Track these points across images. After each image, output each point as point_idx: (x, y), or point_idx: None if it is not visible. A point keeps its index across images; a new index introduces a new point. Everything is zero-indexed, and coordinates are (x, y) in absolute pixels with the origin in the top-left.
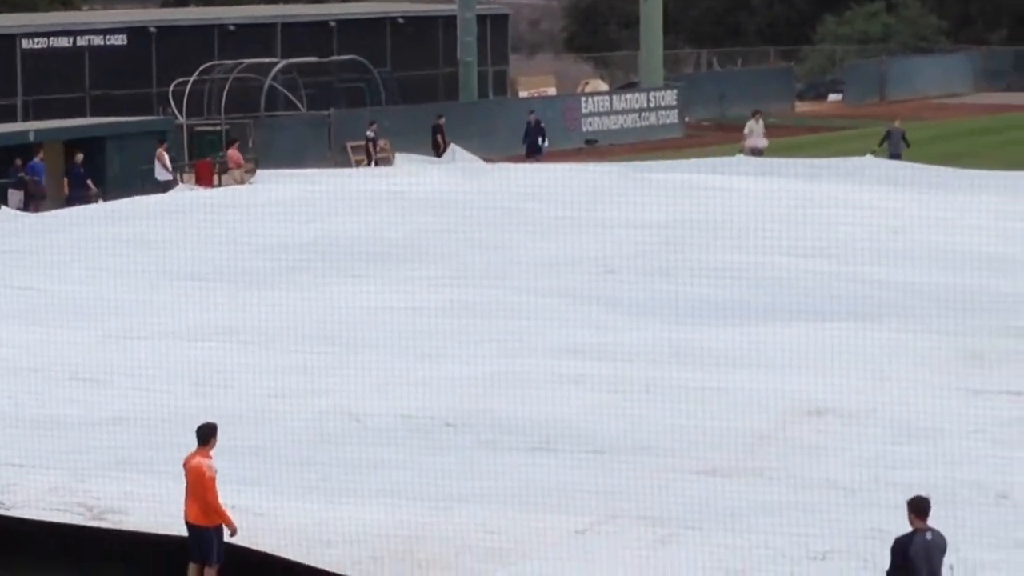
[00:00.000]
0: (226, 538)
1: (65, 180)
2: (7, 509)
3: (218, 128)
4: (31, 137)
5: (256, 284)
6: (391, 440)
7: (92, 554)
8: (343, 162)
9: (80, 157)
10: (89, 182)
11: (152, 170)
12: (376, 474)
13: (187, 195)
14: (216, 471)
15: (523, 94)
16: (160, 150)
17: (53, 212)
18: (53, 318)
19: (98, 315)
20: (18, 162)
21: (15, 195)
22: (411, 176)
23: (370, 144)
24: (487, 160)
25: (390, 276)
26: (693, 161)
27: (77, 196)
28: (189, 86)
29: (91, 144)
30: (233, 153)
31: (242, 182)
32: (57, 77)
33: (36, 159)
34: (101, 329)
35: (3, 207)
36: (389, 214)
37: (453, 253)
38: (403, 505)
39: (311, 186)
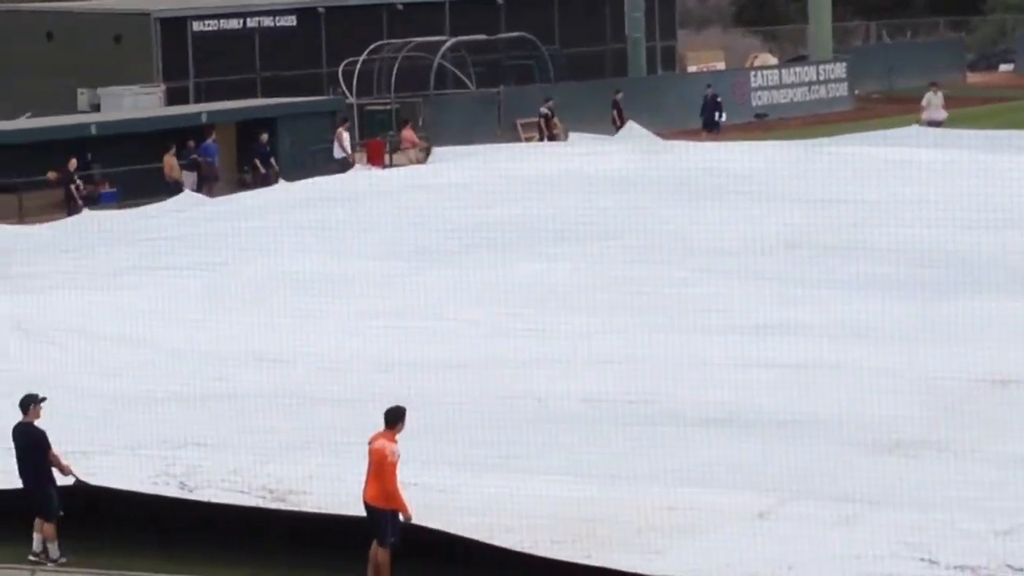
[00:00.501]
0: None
1: (256, 161)
2: (190, 491)
3: (388, 107)
4: (203, 119)
5: (441, 264)
6: (574, 420)
7: (274, 535)
8: (513, 140)
9: (265, 137)
10: (272, 160)
11: (328, 149)
12: (558, 453)
13: (367, 176)
14: (399, 456)
15: (692, 69)
16: (340, 129)
17: (239, 195)
18: (237, 300)
19: (291, 296)
20: (191, 144)
21: (189, 176)
22: (590, 155)
23: (543, 120)
24: (658, 136)
25: (574, 255)
26: (871, 134)
27: (262, 175)
28: (359, 66)
29: (262, 125)
30: (408, 132)
31: (417, 161)
32: (228, 59)
33: (209, 140)
34: (290, 310)
35: (188, 190)
36: (570, 194)
37: (635, 232)
38: (585, 483)
39: (491, 166)
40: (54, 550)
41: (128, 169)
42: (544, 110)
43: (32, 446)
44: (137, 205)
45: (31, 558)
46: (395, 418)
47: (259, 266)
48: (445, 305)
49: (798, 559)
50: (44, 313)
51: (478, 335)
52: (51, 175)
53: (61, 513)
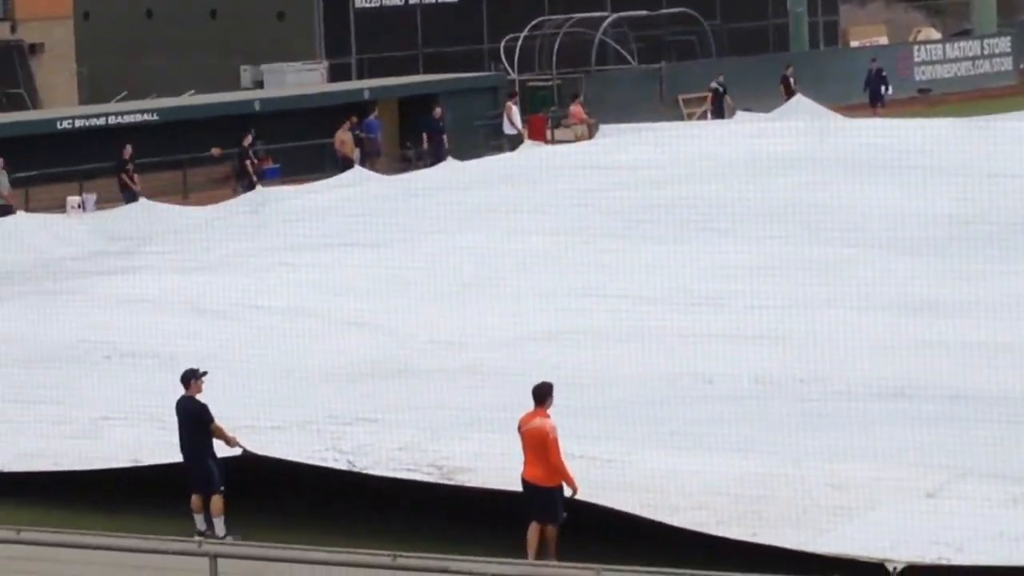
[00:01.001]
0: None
1: (424, 135)
2: (361, 469)
3: (550, 83)
4: (366, 95)
5: (611, 242)
6: (742, 398)
7: (440, 510)
8: (674, 116)
9: (439, 111)
10: (444, 138)
11: (489, 125)
12: (725, 429)
13: (538, 153)
14: (557, 431)
15: (854, 44)
16: (509, 103)
17: (412, 173)
18: (410, 277)
19: (463, 273)
20: (353, 119)
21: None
22: (759, 132)
23: (713, 95)
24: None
25: (744, 234)
26: None
27: (434, 151)
28: (520, 42)
29: (424, 101)
30: (575, 108)
31: (583, 137)
32: (390, 35)
33: (371, 117)
34: (461, 287)
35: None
36: (740, 172)
37: (805, 209)
38: (751, 460)
39: (661, 145)
40: (220, 526)
41: (291, 145)
42: (715, 85)
43: (192, 420)
44: (299, 181)
45: (197, 537)
46: (543, 394)
47: (431, 243)
48: (614, 282)
49: (966, 540)
50: (219, 290)
51: (648, 312)
52: (215, 151)
53: (223, 488)
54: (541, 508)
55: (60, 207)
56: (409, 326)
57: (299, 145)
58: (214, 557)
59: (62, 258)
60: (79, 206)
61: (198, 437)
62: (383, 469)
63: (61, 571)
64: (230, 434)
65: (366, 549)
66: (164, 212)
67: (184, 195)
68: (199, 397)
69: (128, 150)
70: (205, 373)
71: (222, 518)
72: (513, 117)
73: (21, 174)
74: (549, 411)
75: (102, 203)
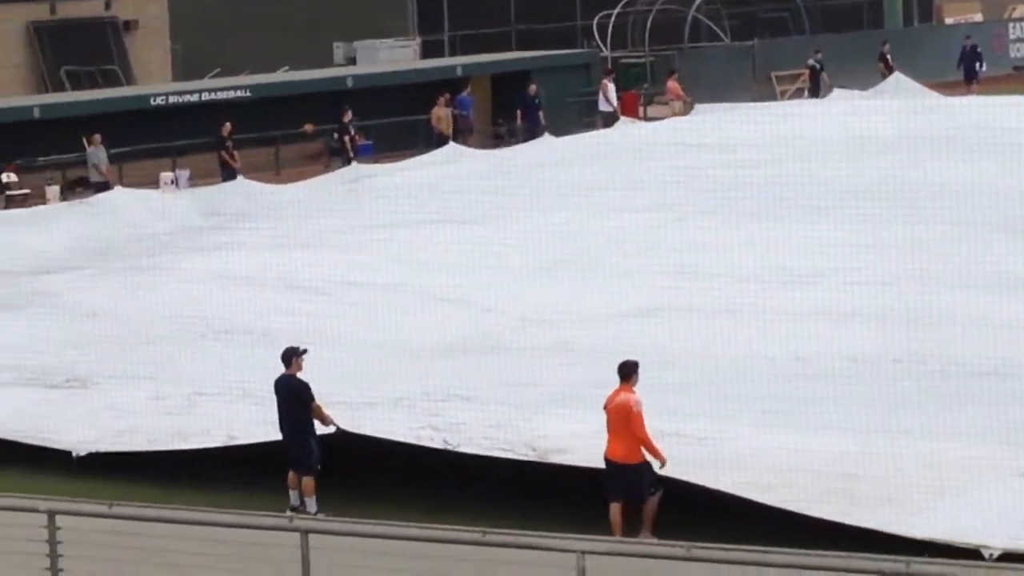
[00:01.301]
0: (657, 470)
1: (518, 111)
2: (455, 447)
3: (642, 60)
4: (458, 72)
5: (705, 221)
6: (836, 376)
7: (531, 486)
8: (767, 93)
9: (534, 88)
10: (540, 115)
11: (582, 102)
12: (818, 408)
13: (632, 130)
14: (642, 405)
15: (949, 21)
16: (605, 80)
17: (510, 149)
18: (505, 254)
19: (555, 250)
20: (447, 96)
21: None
22: (856, 111)
23: (810, 72)
24: None
25: (839, 214)
26: None
27: (530, 127)
28: (613, 19)
29: (517, 78)
30: (673, 84)
31: (679, 113)
32: (482, 12)
33: (464, 93)
34: (554, 264)
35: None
36: (837, 151)
37: (902, 187)
38: (844, 438)
39: (756, 124)
40: (311, 504)
41: (384, 122)
42: (812, 62)
43: (293, 399)
44: (392, 158)
45: (289, 512)
46: (628, 371)
47: (525, 220)
48: (708, 260)
49: None
50: (314, 266)
51: (741, 290)
52: (308, 128)
53: (319, 467)
54: (625, 486)
55: (153, 183)
56: (502, 303)
57: (392, 122)
58: (305, 533)
59: (158, 233)
60: (172, 182)
61: (299, 415)
62: (477, 447)
63: (153, 546)
64: (327, 413)
65: (455, 525)
66: (260, 189)
67: (276, 171)
68: (299, 375)
69: (227, 127)
70: (306, 351)
71: (314, 497)
72: (609, 94)
73: (115, 150)
74: (635, 388)
75: (195, 179)
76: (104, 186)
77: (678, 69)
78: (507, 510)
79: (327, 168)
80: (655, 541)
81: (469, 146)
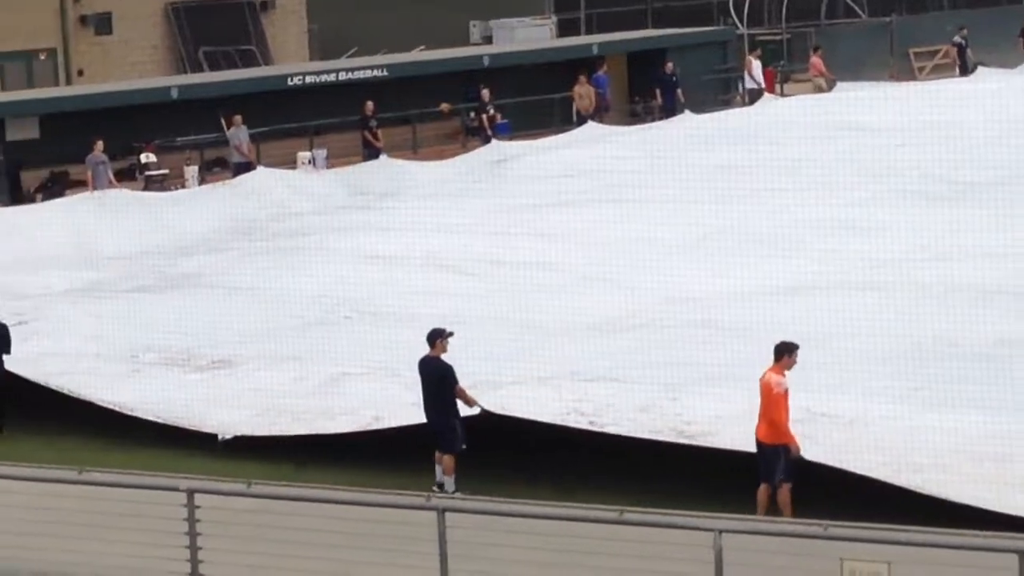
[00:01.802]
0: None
1: (656, 90)
2: (600, 427)
3: (779, 37)
4: (594, 50)
5: (843, 202)
6: (986, 358)
7: (671, 467)
8: (905, 69)
9: (671, 66)
10: (679, 92)
11: (718, 80)
12: (968, 387)
13: (774, 108)
14: (785, 388)
15: None
16: (750, 57)
17: (646, 126)
18: (650, 234)
19: (699, 228)
20: (582, 77)
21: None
22: (1001, 90)
23: (956, 50)
24: None
25: (985, 198)
26: None
27: (668, 105)
28: None
29: (652, 56)
30: (816, 60)
31: (823, 90)
32: None
33: (600, 72)
34: (698, 243)
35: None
36: (983, 134)
37: None
38: (996, 419)
39: (898, 102)
40: (450, 483)
41: (520, 100)
42: (957, 39)
43: (437, 380)
44: (528, 136)
45: (434, 488)
46: (780, 352)
47: (671, 200)
48: (855, 240)
49: None
50: (459, 246)
51: (889, 270)
52: (444, 107)
53: (464, 447)
54: (765, 466)
55: (291, 163)
56: (648, 281)
57: (528, 100)
58: (442, 511)
59: (302, 213)
60: (309, 162)
61: (441, 397)
62: (623, 429)
63: (291, 524)
64: (470, 395)
65: (593, 504)
66: (403, 168)
67: (413, 150)
68: (443, 357)
69: (370, 106)
70: (451, 334)
71: (453, 477)
72: (754, 71)
73: (252, 130)
74: (786, 370)
75: (332, 159)
76: (246, 167)
77: (821, 45)
78: (645, 489)
79: (464, 147)
80: (791, 520)
81: (605, 124)
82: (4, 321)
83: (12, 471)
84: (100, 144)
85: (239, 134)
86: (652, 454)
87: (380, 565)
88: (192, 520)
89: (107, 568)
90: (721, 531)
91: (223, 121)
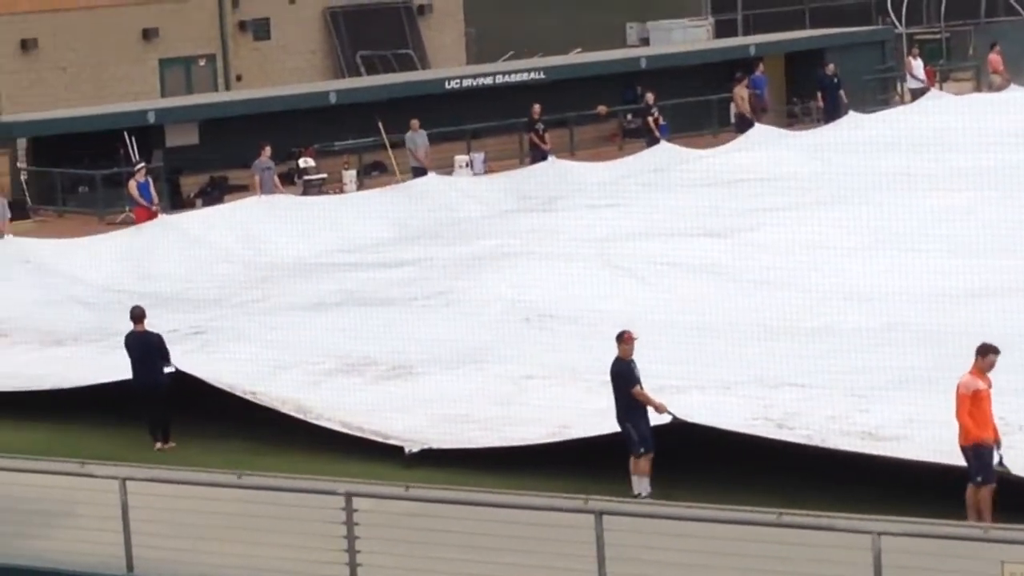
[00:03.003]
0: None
1: (819, 93)
2: (790, 430)
3: (938, 36)
4: (752, 51)
5: None
6: None
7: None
8: None
9: (832, 67)
10: (842, 94)
11: (878, 80)
12: None
13: (944, 106)
14: (971, 388)
15: None
16: (909, 57)
17: (816, 130)
18: (825, 235)
19: (875, 232)
20: (738, 75)
21: (734, 108)
22: None
23: None
24: None
25: None
26: None
27: (829, 109)
28: None
29: (810, 56)
30: (994, 57)
31: (998, 88)
32: None
33: (758, 72)
34: (876, 245)
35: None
36: None
37: None
38: None
39: None
40: (637, 485)
41: (677, 102)
42: None
43: (619, 382)
44: (686, 138)
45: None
46: (977, 353)
47: (840, 201)
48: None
49: None
50: (634, 249)
51: None
52: (601, 109)
53: (642, 451)
54: (967, 466)
55: (448, 166)
56: (826, 284)
57: (685, 102)
58: (599, 514)
59: (473, 217)
60: (467, 165)
61: (620, 399)
62: (815, 438)
63: (448, 528)
64: (656, 400)
65: (750, 507)
66: (572, 170)
67: (571, 152)
68: (631, 359)
69: (537, 109)
70: (635, 337)
71: (641, 478)
72: (915, 70)
73: (409, 134)
74: (985, 372)
75: (489, 162)
76: (421, 172)
77: (968, 46)
78: (801, 491)
79: (620, 149)
80: (951, 522)
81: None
82: (159, 332)
83: (173, 475)
84: (267, 150)
85: (416, 139)
86: (828, 460)
87: (537, 568)
88: (350, 523)
89: (265, 572)
90: (880, 533)
91: (380, 125)
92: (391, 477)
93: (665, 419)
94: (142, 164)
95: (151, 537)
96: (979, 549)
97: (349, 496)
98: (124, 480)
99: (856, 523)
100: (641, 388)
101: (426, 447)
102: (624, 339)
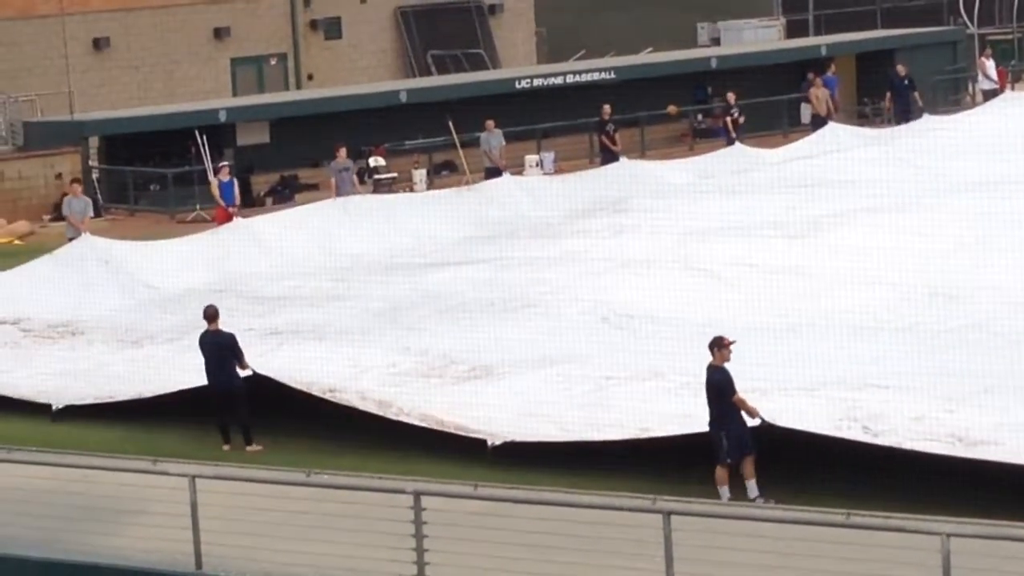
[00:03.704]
0: None
1: (888, 94)
2: (875, 436)
3: (1010, 36)
4: (823, 51)
5: None
6: None
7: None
8: None
9: (903, 69)
10: (916, 95)
11: (949, 80)
12: None
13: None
14: None
15: None
16: (982, 58)
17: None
18: (910, 232)
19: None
20: (811, 76)
21: (806, 109)
22: None
23: None
24: None
25: None
26: None
27: (901, 110)
28: None
29: (880, 56)
30: None
31: None
32: None
33: (829, 73)
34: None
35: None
36: None
37: None
38: None
39: None
40: (752, 488)
41: (749, 102)
42: None
43: (714, 389)
44: (757, 138)
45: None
46: None
47: (922, 207)
48: None
49: None
50: (712, 250)
51: None
52: (672, 109)
53: (728, 460)
54: None
55: (519, 166)
56: (910, 279)
57: (756, 102)
58: (668, 514)
59: (541, 218)
60: (537, 164)
61: (717, 407)
62: (900, 440)
63: (517, 527)
64: (751, 405)
65: (819, 507)
66: (645, 171)
67: (641, 153)
68: (726, 366)
69: (607, 110)
70: (733, 341)
71: (726, 487)
72: (988, 71)
73: (479, 133)
74: None
75: (560, 162)
76: (496, 172)
77: None
78: (871, 491)
79: (691, 149)
80: (1020, 524)
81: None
82: (233, 332)
83: (242, 472)
84: (343, 151)
85: (491, 139)
86: (881, 459)
87: (606, 568)
88: (419, 523)
89: (332, 570)
90: (949, 535)
91: (451, 124)
92: (463, 477)
93: (755, 422)
94: (226, 163)
95: (219, 535)
96: None
97: (417, 495)
98: (193, 478)
99: (925, 524)
100: (740, 396)
101: (509, 440)
102: (723, 345)
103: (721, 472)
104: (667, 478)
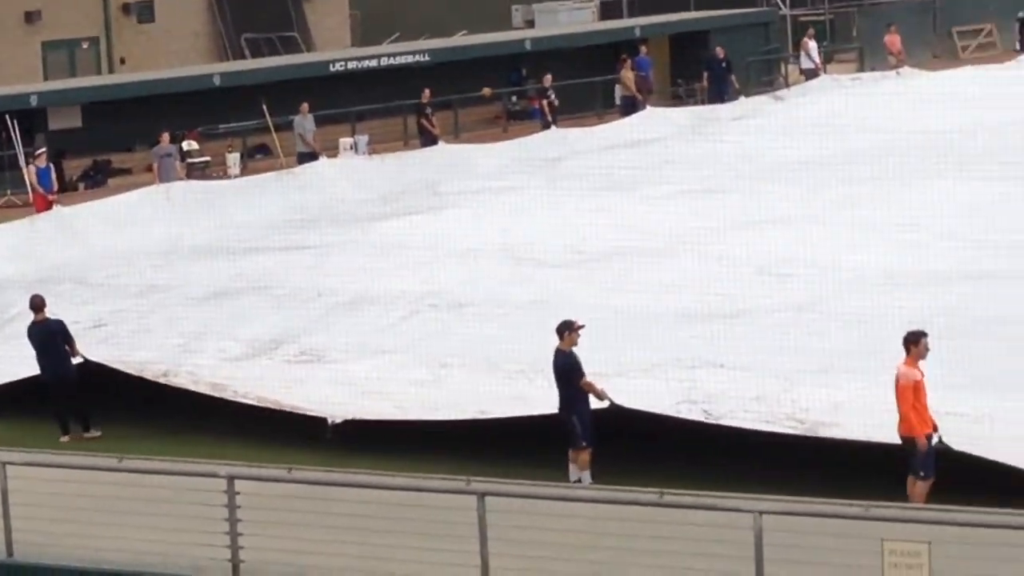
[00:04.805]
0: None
1: (704, 74)
2: (716, 419)
3: (822, 17)
4: (637, 33)
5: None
6: None
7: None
8: (948, 49)
9: (721, 52)
10: (732, 78)
11: (760, 61)
12: None
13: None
14: (912, 379)
15: None
16: (805, 39)
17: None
18: (744, 215)
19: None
20: (623, 57)
21: (619, 90)
22: None
23: (1019, 26)
24: None
25: None
26: None
27: (716, 92)
28: None
29: (694, 38)
30: (891, 38)
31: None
32: None
33: (642, 54)
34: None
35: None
36: None
37: None
38: None
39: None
40: (586, 478)
41: (563, 84)
42: (1022, 15)
43: (560, 373)
44: (570, 120)
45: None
46: (907, 343)
47: (747, 188)
48: (941, 222)
49: None
50: (534, 234)
51: (990, 255)
52: (486, 91)
53: (583, 444)
54: (908, 459)
55: (332, 149)
56: (736, 253)
57: (569, 84)
58: (482, 495)
59: (365, 203)
60: (351, 147)
61: (564, 391)
62: (739, 420)
63: (329, 509)
64: (599, 387)
65: (632, 487)
66: (460, 154)
67: (455, 135)
68: (574, 350)
69: (426, 93)
70: (583, 326)
71: (588, 471)
72: (811, 52)
73: (292, 116)
74: (919, 360)
75: (373, 144)
76: (310, 156)
77: (852, 26)
78: (684, 471)
79: (505, 132)
80: (834, 501)
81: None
82: (60, 318)
83: (53, 459)
84: (167, 136)
85: (304, 123)
86: (690, 436)
87: (418, 549)
88: (232, 506)
89: (146, 555)
90: (761, 512)
91: (265, 108)
92: (272, 460)
93: (604, 405)
94: (43, 149)
95: (32, 521)
96: (859, 527)
97: (231, 479)
98: (4, 464)
99: (737, 502)
100: (587, 380)
101: (350, 419)
102: (573, 329)
103: (583, 456)
104: (497, 461)
